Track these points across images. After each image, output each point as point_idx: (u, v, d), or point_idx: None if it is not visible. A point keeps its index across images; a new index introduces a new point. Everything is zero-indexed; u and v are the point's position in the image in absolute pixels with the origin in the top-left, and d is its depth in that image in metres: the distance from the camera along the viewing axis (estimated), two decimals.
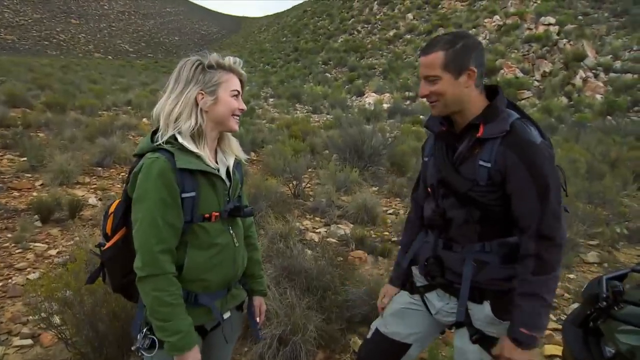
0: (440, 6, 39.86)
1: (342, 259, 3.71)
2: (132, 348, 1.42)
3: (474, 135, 1.41)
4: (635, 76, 20.04)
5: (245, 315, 1.72)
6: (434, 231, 1.58)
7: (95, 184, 6.24)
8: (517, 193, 1.36)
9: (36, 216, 4.77)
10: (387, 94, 24.05)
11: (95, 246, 1.53)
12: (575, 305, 3.39)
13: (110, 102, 14.60)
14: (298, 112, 18.96)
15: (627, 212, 6.03)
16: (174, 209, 1.32)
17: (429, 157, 1.62)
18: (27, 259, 3.92)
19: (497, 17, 31.44)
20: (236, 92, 1.46)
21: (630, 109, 17.34)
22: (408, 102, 22.11)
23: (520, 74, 23.31)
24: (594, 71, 21.41)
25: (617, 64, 21.79)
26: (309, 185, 6.81)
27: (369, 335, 1.78)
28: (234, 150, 1.55)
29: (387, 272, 3.81)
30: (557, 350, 2.89)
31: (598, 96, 19.44)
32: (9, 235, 4.33)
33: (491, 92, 1.48)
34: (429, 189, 1.61)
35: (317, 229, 5.11)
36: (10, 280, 3.53)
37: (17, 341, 2.74)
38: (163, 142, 1.34)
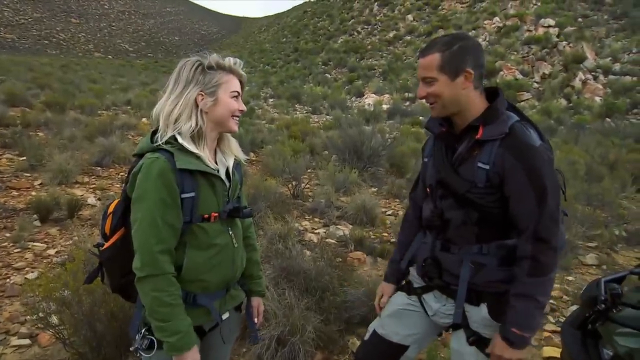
0: (440, 7, 39.89)
1: (341, 260, 3.71)
2: (131, 349, 1.41)
3: (473, 136, 1.41)
4: (635, 79, 20.08)
5: (244, 316, 1.72)
6: (432, 232, 1.58)
7: (95, 184, 6.24)
8: (515, 195, 1.37)
9: (35, 216, 4.76)
10: (387, 95, 24.06)
11: (94, 246, 1.53)
12: (574, 308, 3.39)
13: (110, 102, 14.59)
14: (298, 112, 18.97)
15: (626, 214, 6.03)
16: (174, 209, 1.32)
17: (429, 157, 1.62)
18: (26, 258, 3.91)
19: (496, 18, 31.48)
20: (236, 93, 1.46)
21: (629, 112, 17.37)
22: (407, 103, 22.12)
23: (519, 76, 23.34)
24: (593, 73, 21.45)
25: (617, 67, 21.82)
26: (308, 185, 6.81)
27: (366, 337, 1.78)
28: (234, 151, 1.55)
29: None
30: (555, 352, 2.89)
31: (597, 98, 19.47)
32: (8, 235, 4.32)
33: (492, 94, 1.48)
34: (428, 190, 1.61)
35: (316, 229, 5.11)
36: (8, 280, 3.53)
37: (15, 341, 2.73)
38: (163, 143, 1.34)
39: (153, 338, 1.35)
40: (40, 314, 2.32)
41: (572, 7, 30.51)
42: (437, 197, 1.55)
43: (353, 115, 16.34)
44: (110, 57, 73.09)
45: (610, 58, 22.83)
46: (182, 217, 1.35)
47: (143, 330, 1.38)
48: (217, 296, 1.49)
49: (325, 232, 5.01)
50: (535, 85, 22.55)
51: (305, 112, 19.39)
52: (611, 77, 21.05)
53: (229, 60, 1.45)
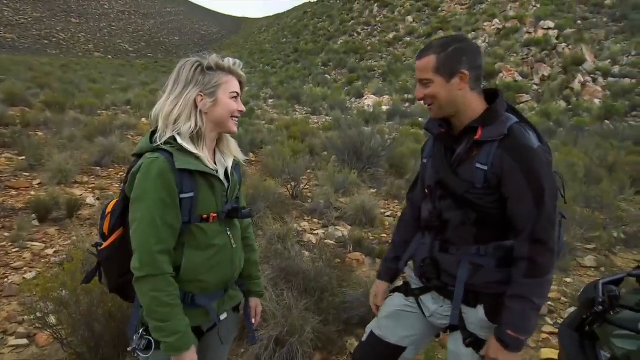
0: (440, 9, 39.95)
1: (339, 260, 3.70)
2: (128, 349, 1.41)
3: (472, 137, 1.42)
4: (634, 81, 20.10)
5: (242, 316, 1.72)
6: (431, 233, 1.58)
7: (94, 184, 6.23)
8: (513, 196, 1.37)
9: (34, 215, 4.76)
10: (387, 96, 24.07)
11: (92, 246, 1.53)
12: (572, 310, 3.40)
13: (110, 102, 14.59)
14: (297, 113, 18.98)
15: (625, 216, 6.04)
16: (173, 209, 1.32)
17: (428, 159, 1.63)
18: (24, 258, 3.91)
19: (496, 20, 31.52)
20: (235, 94, 1.46)
21: (628, 114, 17.38)
22: (407, 104, 22.12)
23: (519, 78, 23.36)
24: (592, 75, 21.47)
25: (616, 69, 21.84)
26: (307, 186, 6.82)
27: (364, 338, 1.78)
28: (233, 152, 1.55)
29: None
30: (553, 353, 2.89)
31: (596, 100, 19.50)
32: (6, 234, 4.32)
33: (491, 95, 1.49)
34: (427, 191, 1.61)
35: (315, 230, 5.11)
36: (6, 280, 3.52)
37: (12, 341, 2.73)
38: (162, 143, 1.35)
39: (151, 338, 1.35)
40: (38, 314, 2.32)
41: (571, 10, 30.57)
42: (436, 198, 1.55)
43: (352, 116, 16.34)
44: (110, 57, 73.08)
45: (609, 60, 22.85)
46: (181, 217, 1.35)
47: (141, 331, 1.38)
48: (216, 297, 1.49)
49: (324, 233, 5.01)
50: (535, 87, 22.57)
51: (304, 112, 19.40)
52: (610, 79, 21.07)
53: (229, 61, 1.45)
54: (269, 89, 28.06)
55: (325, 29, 49.90)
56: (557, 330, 2.89)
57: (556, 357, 2.71)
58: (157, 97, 1.43)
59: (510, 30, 28.75)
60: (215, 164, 1.48)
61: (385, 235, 5.10)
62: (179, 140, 1.36)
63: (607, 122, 16.15)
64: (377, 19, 43.87)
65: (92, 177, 6.56)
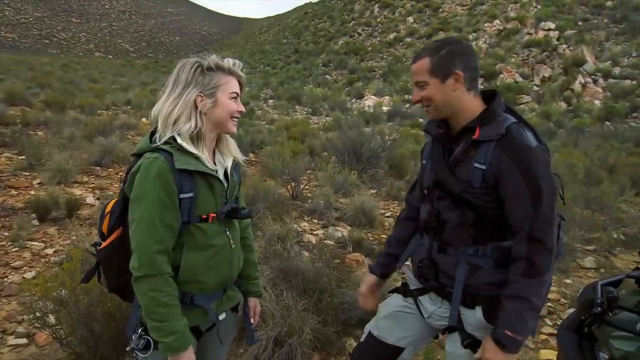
0: (440, 10, 39.98)
1: (339, 261, 3.70)
2: (127, 349, 1.42)
3: (470, 137, 1.43)
4: (634, 82, 20.11)
5: (241, 316, 1.72)
6: (429, 234, 1.59)
7: (94, 183, 6.23)
8: (511, 196, 1.37)
9: (33, 215, 4.76)
10: (387, 97, 24.09)
11: (91, 245, 1.53)
12: (572, 311, 3.39)
13: (110, 102, 14.60)
14: (298, 113, 18.98)
15: (625, 217, 6.04)
16: (172, 209, 1.32)
17: (427, 160, 1.64)
18: (24, 257, 3.91)
19: (497, 21, 31.55)
20: (235, 95, 1.46)
21: (628, 115, 17.40)
22: (407, 105, 22.12)
23: (519, 79, 23.38)
24: (593, 77, 21.48)
25: (616, 70, 21.86)
26: (307, 187, 6.82)
27: (362, 339, 1.78)
28: (232, 152, 1.56)
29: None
30: (552, 355, 2.89)
31: (597, 102, 19.51)
32: (6, 234, 4.32)
33: (489, 96, 1.50)
34: (425, 191, 1.62)
35: (314, 231, 5.11)
36: (6, 279, 3.52)
37: (11, 340, 2.73)
38: (161, 143, 1.35)
39: (149, 338, 1.34)
40: (37, 314, 2.32)
41: (572, 11, 30.59)
42: (434, 199, 1.56)
43: (353, 117, 16.35)
44: (110, 56, 73.13)
45: (610, 62, 22.88)
46: (180, 217, 1.35)
47: (140, 330, 1.38)
48: (214, 297, 1.49)
49: (323, 234, 5.01)
50: (535, 88, 22.59)
51: (305, 113, 19.41)
52: (611, 80, 21.08)
53: (228, 62, 1.45)
54: (269, 89, 28.08)
55: (326, 29, 49.95)
56: (556, 332, 2.88)
57: (555, 358, 2.71)
58: (157, 97, 1.44)
59: (511, 31, 28.78)
60: (214, 164, 1.48)
61: (384, 236, 5.09)
62: (179, 140, 1.36)
63: (607, 123, 16.16)
64: (378, 20, 43.91)
65: (92, 176, 6.57)
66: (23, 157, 6.76)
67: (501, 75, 23.83)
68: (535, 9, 31.37)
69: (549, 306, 3.64)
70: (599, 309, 1.55)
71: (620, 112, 17.06)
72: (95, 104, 12.90)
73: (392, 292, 1.81)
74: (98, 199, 5.54)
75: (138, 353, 1.38)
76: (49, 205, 4.83)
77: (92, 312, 2.26)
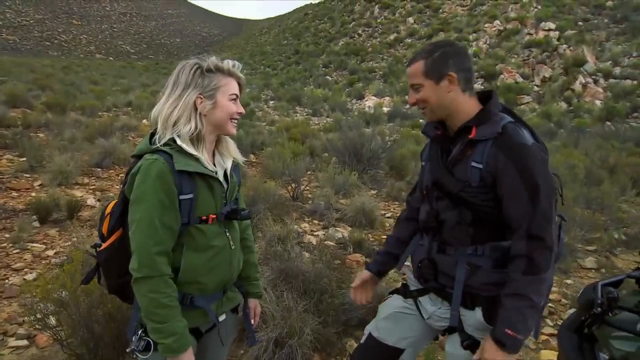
0: (441, 10, 40.01)
1: (339, 262, 3.70)
2: (127, 350, 1.41)
3: (467, 137, 1.44)
4: (635, 82, 20.09)
5: (241, 317, 1.72)
6: (429, 234, 1.60)
7: (94, 185, 6.24)
8: (508, 194, 1.38)
9: (34, 216, 4.76)
10: (387, 98, 24.09)
11: (91, 247, 1.53)
12: (572, 311, 3.39)
13: (111, 103, 14.63)
14: (298, 114, 18.99)
15: (625, 217, 6.03)
16: (172, 211, 1.32)
17: (426, 161, 1.65)
18: (25, 259, 3.91)
19: (497, 22, 31.56)
20: (235, 96, 1.46)
21: (629, 115, 17.38)
22: (408, 106, 22.12)
23: (520, 79, 23.38)
24: (593, 77, 21.47)
25: (617, 70, 21.84)
26: (307, 187, 6.82)
27: (362, 340, 1.78)
28: (232, 153, 1.56)
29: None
30: (552, 355, 2.89)
31: (597, 102, 19.49)
32: (7, 236, 4.32)
33: (486, 97, 1.52)
34: (425, 192, 1.63)
35: (315, 231, 5.11)
36: (7, 281, 3.53)
37: (12, 342, 2.73)
38: (161, 144, 1.35)
39: (149, 339, 1.34)
40: (38, 315, 2.32)
41: (572, 11, 30.59)
42: (432, 199, 1.57)
43: (353, 118, 16.36)
44: (111, 58, 73.27)
45: (610, 62, 22.86)
46: (179, 218, 1.35)
47: (140, 332, 1.38)
48: (214, 298, 1.49)
49: (324, 234, 5.01)
50: (536, 88, 22.58)
51: (305, 114, 19.41)
52: (611, 80, 21.07)
53: (228, 63, 1.45)
54: (269, 90, 28.10)
55: (326, 30, 49.99)
56: (556, 332, 2.88)
57: (555, 359, 2.70)
58: (158, 99, 1.44)
59: (511, 31, 28.79)
60: (214, 165, 1.48)
61: (385, 237, 5.07)
62: (179, 141, 1.36)
63: (608, 123, 16.14)
64: (378, 21, 43.95)
65: (93, 178, 6.58)
66: (24, 159, 6.77)
67: (502, 76, 23.83)
68: (536, 9, 31.38)
69: (549, 307, 3.64)
70: (599, 309, 1.55)
71: (621, 112, 17.04)
72: (96, 105, 12.93)
73: (392, 293, 1.81)
74: (99, 200, 5.55)
75: (138, 354, 1.37)
76: (50, 207, 4.83)
77: (92, 314, 2.26)
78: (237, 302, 1.64)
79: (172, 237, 1.34)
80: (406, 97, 23.50)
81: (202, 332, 1.51)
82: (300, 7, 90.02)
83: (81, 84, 20.36)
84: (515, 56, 25.93)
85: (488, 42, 29.48)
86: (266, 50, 58.96)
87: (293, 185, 6.40)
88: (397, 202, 6.61)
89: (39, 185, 5.92)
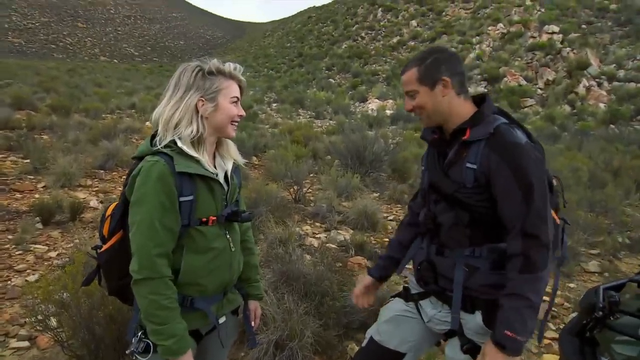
0: (444, 14, 40.06)
1: (341, 264, 3.71)
2: (127, 351, 1.41)
3: (461, 138, 1.46)
4: (639, 85, 20.02)
5: (241, 319, 1.72)
6: (427, 237, 1.61)
7: (97, 187, 6.27)
8: (502, 194, 1.39)
9: (37, 218, 4.78)
10: (390, 101, 24.10)
11: (92, 248, 1.54)
12: (575, 315, 3.37)
13: (115, 106, 14.71)
14: (301, 117, 19.01)
15: (629, 221, 6.00)
16: (172, 212, 1.32)
17: (425, 166, 1.66)
18: (27, 260, 3.93)
19: (500, 25, 31.54)
20: (235, 99, 1.46)
21: (633, 118, 17.31)
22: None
23: (523, 82, 23.35)
24: (597, 80, 21.42)
25: (621, 73, 21.78)
26: (310, 190, 6.82)
27: (364, 344, 1.78)
28: (232, 155, 1.56)
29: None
30: (554, 359, 2.87)
31: (601, 105, 19.43)
32: (10, 237, 4.34)
33: (481, 100, 1.54)
34: (423, 195, 1.65)
35: (317, 234, 5.10)
36: (9, 282, 3.54)
37: (14, 343, 2.74)
38: (162, 146, 1.35)
39: (149, 341, 1.34)
40: (39, 317, 2.32)
41: (576, 14, 30.53)
42: (430, 202, 1.59)
43: (356, 121, 16.37)
44: (115, 61, 73.69)
45: (614, 65, 22.80)
46: (180, 220, 1.35)
47: (139, 334, 1.38)
48: (215, 300, 1.49)
49: (326, 237, 5.01)
50: (539, 91, 22.56)
51: (308, 117, 19.43)
52: (615, 83, 21.01)
53: (229, 66, 1.46)
54: (273, 93, 28.17)
55: (329, 33, 50.12)
56: (558, 336, 2.86)
57: None
58: (159, 101, 1.44)
59: (515, 34, 28.77)
60: (215, 167, 1.48)
61: (387, 240, 5.08)
62: (179, 144, 1.37)
63: (612, 126, 16.09)
64: (381, 24, 44.03)
65: (96, 180, 6.60)
66: (28, 160, 6.81)
67: (505, 79, 23.81)
68: (539, 13, 31.36)
69: (552, 310, 3.62)
70: (601, 313, 1.53)
71: (625, 115, 16.99)
72: (100, 108, 13.01)
73: (393, 296, 1.81)
74: (102, 202, 5.57)
75: (138, 356, 1.37)
76: (53, 209, 4.85)
77: (93, 315, 2.26)
78: (238, 304, 1.64)
79: (173, 239, 1.35)
80: None
81: (202, 334, 1.51)
82: (304, 10, 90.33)
83: (85, 86, 20.47)
84: (519, 59, 25.90)
85: (491, 45, 29.47)
86: (269, 53, 59.16)
87: (295, 187, 6.41)
88: (399, 205, 6.60)
89: (42, 187, 5.95)
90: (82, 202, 5.19)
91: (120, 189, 6.12)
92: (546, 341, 3.18)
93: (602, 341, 1.54)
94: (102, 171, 6.96)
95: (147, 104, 14.63)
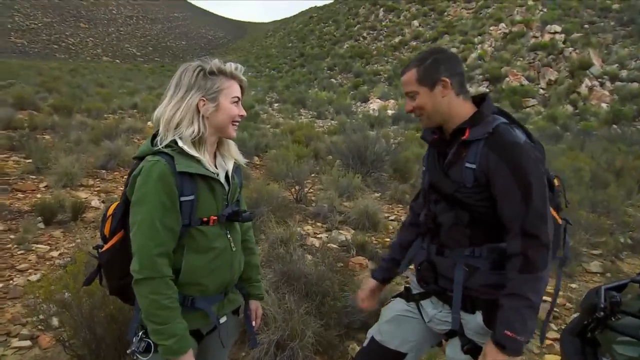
0: (446, 13, 40.00)
1: (342, 264, 3.71)
2: (128, 351, 1.42)
3: (460, 138, 1.47)
4: None
5: (242, 319, 1.72)
6: (428, 237, 1.61)
7: (99, 187, 6.28)
8: (501, 194, 1.39)
9: (39, 218, 4.80)
10: (392, 101, 24.07)
11: (94, 248, 1.54)
12: (577, 315, 3.36)
13: (117, 106, 14.73)
14: (303, 117, 19.01)
15: (631, 221, 5.98)
16: (173, 212, 1.33)
17: (426, 166, 1.67)
18: (29, 260, 3.94)
19: (503, 24, 31.47)
20: (236, 99, 1.46)
21: (636, 118, 17.24)
22: None
23: (525, 82, 23.29)
24: (600, 80, 21.34)
25: (624, 73, 21.70)
26: (311, 190, 6.82)
27: (365, 344, 1.78)
28: (233, 155, 1.56)
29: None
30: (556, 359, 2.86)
31: (604, 105, 19.36)
32: (12, 237, 4.36)
33: (481, 100, 1.55)
34: (424, 195, 1.65)
35: (318, 234, 5.10)
36: (11, 282, 3.55)
37: (16, 342, 2.75)
38: (163, 146, 1.35)
39: (150, 341, 1.35)
40: (41, 316, 2.33)
41: (578, 14, 30.44)
42: (430, 202, 1.59)
43: (358, 121, 16.36)
44: (118, 61, 73.83)
45: (617, 64, 22.71)
46: (181, 220, 1.35)
47: (140, 333, 1.38)
48: (215, 300, 1.49)
49: (327, 237, 5.01)
50: (541, 91, 22.49)
51: (310, 117, 19.43)
52: (618, 83, 20.93)
53: (230, 66, 1.46)
54: (274, 93, 28.17)
55: (331, 33, 50.10)
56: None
57: None
58: (160, 100, 1.45)
59: (517, 34, 28.69)
60: (215, 167, 1.48)
61: (388, 240, 5.08)
62: (180, 143, 1.37)
63: (614, 126, 16.03)
64: (383, 24, 43.99)
65: (98, 180, 6.62)
66: (30, 160, 6.83)
67: (507, 79, 23.75)
68: (541, 12, 31.28)
69: (554, 310, 3.61)
70: (602, 313, 1.53)
71: (627, 115, 16.93)
72: (102, 108, 13.03)
73: (395, 296, 1.81)
74: (103, 202, 5.58)
75: (139, 356, 1.37)
76: (55, 209, 4.87)
77: (94, 315, 2.26)
78: (238, 304, 1.64)
79: (173, 239, 1.35)
80: None
81: (203, 334, 1.51)
82: (305, 10, 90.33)
83: (88, 86, 20.52)
84: (521, 59, 25.83)
85: (493, 45, 29.41)
86: (271, 53, 59.18)
87: (297, 187, 6.41)
88: (400, 205, 6.59)
89: (44, 187, 5.96)
90: (83, 202, 5.20)
91: (121, 188, 6.13)
92: (548, 342, 3.17)
93: (603, 342, 1.54)
94: (103, 171, 6.98)
95: (149, 104, 14.66)
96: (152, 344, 1.34)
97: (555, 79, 22.64)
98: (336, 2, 65.79)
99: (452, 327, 1.51)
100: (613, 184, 7.36)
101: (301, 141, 10.05)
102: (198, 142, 1.41)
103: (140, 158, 1.39)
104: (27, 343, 2.74)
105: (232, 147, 1.57)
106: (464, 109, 1.50)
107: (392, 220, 5.89)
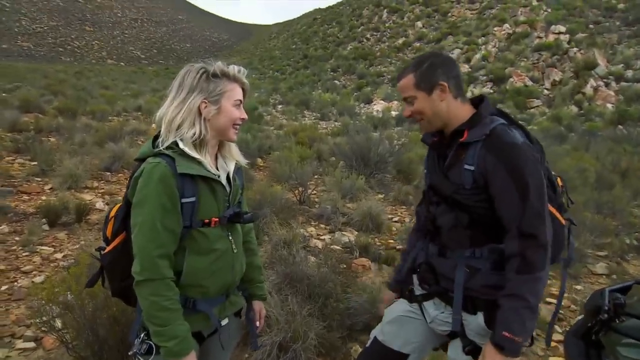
0: (449, 14, 39.93)
1: (345, 266, 3.69)
2: (129, 353, 1.42)
3: (459, 140, 1.47)
4: None
5: (244, 321, 1.72)
6: (428, 238, 1.62)
7: (103, 189, 6.31)
8: (499, 195, 1.39)
9: (44, 220, 4.83)
10: (396, 102, 24.03)
11: (96, 250, 1.55)
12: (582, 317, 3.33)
13: (121, 108, 14.80)
14: (306, 118, 19.02)
15: (637, 223, 5.92)
16: (174, 214, 1.33)
17: (426, 168, 1.68)
18: (34, 262, 3.96)
19: (506, 25, 31.37)
20: (239, 102, 1.46)
21: None
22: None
23: (529, 83, 23.19)
24: (605, 80, 21.21)
25: (629, 73, 21.55)
26: (314, 191, 6.81)
27: (367, 344, 1.78)
28: (234, 156, 1.56)
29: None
30: None
31: (609, 105, 19.24)
32: (17, 239, 4.39)
33: (479, 102, 1.55)
34: (424, 197, 1.65)
35: (321, 235, 5.10)
36: (16, 283, 3.57)
37: (20, 344, 2.76)
38: (164, 148, 1.36)
39: (152, 343, 1.35)
40: (45, 318, 2.34)
41: (583, 14, 30.29)
42: (430, 204, 1.60)
43: (361, 122, 16.34)
44: (122, 64, 74.27)
45: (622, 65, 22.56)
46: (182, 222, 1.35)
47: (142, 335, 1.38)
48: (217, 302, 1.49)
49: (330, 239, 5.00)
50: (546, 92, 22.38)
51: (313, 118, 19.44)
52: (623, 84, 20.79)
53: (233, 68, 1.46)
54: (278, 94, 28.22)
55: (335, 35, 50.15)
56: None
57: None
58: (163, 101, 1.45)
59: (521, 35, 28.58)
60: (217, 168, 1.48)
61: (392, 241, 5.07)
62: (181, 145, 1.37)
63: (620, 127, 15.91)
64: (387, 25, 43.97)
65: (102, 182, 6.65)
66: (35, 163, 6.88)
67: (511, 79, 23.67)
68: (546, 13, 31.16)
69: (559, 312, 3.58)
70: (606, 315, 1.52)
71: (633, 115, 16.79)
72: (106, 110, 13.10)
73: (398, 297, 1.81)
74: (107, 204, 5.60)
75: (140, 358, 1.37)
76: (59, 210, 4.89)
77: (97, 317, 2.27)
78: (240, 306, 1.64)
79: (174, 241, 1.35)
80: None
81: (204, 336, 1.50)
82: (309, 11, 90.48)
83: (92, 89, 20.63)
84: (525, 59, 25.73)
85: (497, 46, 29.32)
86: (275, 55, 59.29)
87: (300, 189, 6.41)
88: (404, 206, 6.58)
89: (49, 189, 6.00)
90: (88, 204, 5.23)
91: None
92: (552, 344, 3.14)
93: (607, 344, 1.53)
94: (108, 173, 7.01)
95: (153, 106, 14.70)
96: (153, 346, 1.34)
97: (560, 80, 22.53)
98: (340, 4, 65.95)
99: (452, 328, 1.50)
100: (618, 185, 7.31)
101: (304, 143, 10.05)
102: (199, 144, 1.41)
103: (142, 160, 1.40)
104: (32, 344, 2.76)
105: (233, 148, 1.57)
106: (462, 111, 1.50)
107: (395, 221, 5.87)
